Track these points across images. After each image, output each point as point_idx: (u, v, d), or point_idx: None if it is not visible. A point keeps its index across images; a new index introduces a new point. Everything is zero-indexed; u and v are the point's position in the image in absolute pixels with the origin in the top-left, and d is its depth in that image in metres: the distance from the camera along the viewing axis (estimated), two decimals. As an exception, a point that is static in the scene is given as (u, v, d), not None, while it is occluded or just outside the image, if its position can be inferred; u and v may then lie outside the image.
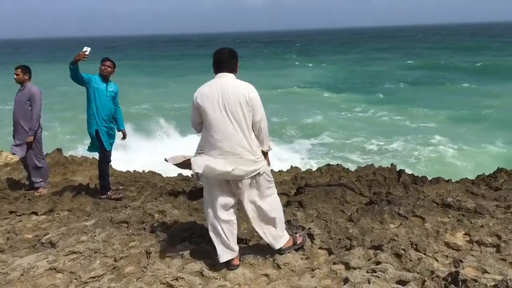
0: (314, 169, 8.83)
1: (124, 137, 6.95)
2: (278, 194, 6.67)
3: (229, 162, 3.67)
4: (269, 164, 4.06)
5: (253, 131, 3.78)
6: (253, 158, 3.76)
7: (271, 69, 52.35)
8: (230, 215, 3.93)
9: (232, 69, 3.85)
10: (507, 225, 4.77)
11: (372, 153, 16.66)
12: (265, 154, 3.94)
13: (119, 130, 6.77)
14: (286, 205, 6.04)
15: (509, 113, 22.24)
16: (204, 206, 4.11)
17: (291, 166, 9.18)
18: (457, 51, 66.13)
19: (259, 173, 3.83)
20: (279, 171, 8.87)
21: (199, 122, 3.86)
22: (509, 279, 3.34)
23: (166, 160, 4.16)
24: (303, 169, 9.12)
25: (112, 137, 6.60)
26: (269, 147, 3.93)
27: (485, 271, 3.74)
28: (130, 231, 4.98)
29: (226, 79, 3.77)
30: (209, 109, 3.71)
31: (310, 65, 56.71)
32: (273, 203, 4.02)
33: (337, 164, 8.56)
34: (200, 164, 3.66)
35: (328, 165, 8.62)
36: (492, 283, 3.41)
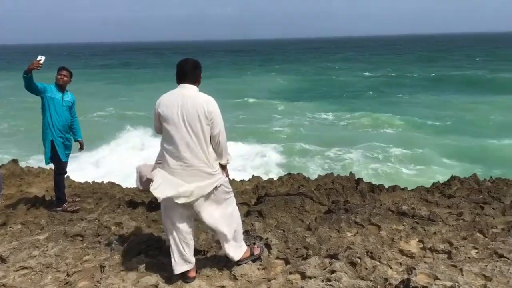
0: (275, 178, 8.86)
1: (81, 148, 6.78)
2: (239, 204, 6.69)
3: (185, 175, 3.66)
4: (227, 176, 4.06)
5: (211, 144, 3.77)
6: (210, 170, 3.75)
7: (235, 78, 52.52)
8: (187, 226, 3.90)
9: (195, 81, 3.84)
10: (459, 232, 4.92)
11: (333, 161, 16.90)
12: (223, 166, 3.93)
13: (76, 141, 6.61)
14: (246, 215, 6.04)
15: (458, 122, 23.11)
16: (162, 216, 4.06)
17: (253, 175, 9.18)
18: (416, 62, 68.17)
19: (216, 186, 3.81)
20: (241, 180, 8.86)
21: (161, 127, 3.85)
22: (457, 285, 3.44)
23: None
24: (264, 179, 9.14)
25: (68, 148, 6.43)
26: (227, 160, 3.92)
27: (436, 278, 3.84)
28: (85, 244, 4.85)
29: (187, 90, 3.75)
30: (168, 120, 3.69)
31: (273, 73, 57.13)
32: (231, 215, 4.01)
33: (298, 173, 8.62)
34: (161, 191, 3.67)
35: (289, 174, 8.67)
36: (443, 289, 3.50)
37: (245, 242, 4.31)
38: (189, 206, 3.82)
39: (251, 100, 35.31)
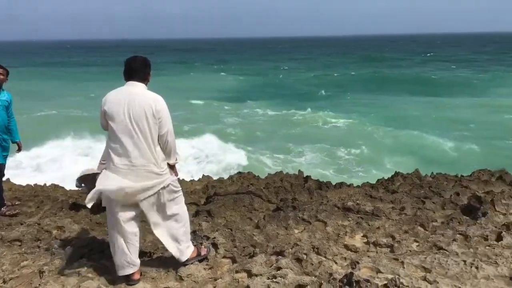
0: (226, 177, 8.84)
1: (19, 149, 6.48)
2: (188, 203, 6.62)
3: (131, 175, 3.58)
4: (176, 175, 3.99)
5: (159, 144, 3.70)
6: (157, 170, 3.67)
7: (183, 76, 51.99)
8: (132, 227, 3.80)
9: (144, 78, 3.75)
10: (401, 226, 5.08)
11: (282, 160, 17.06)
12: (172, 166, 3.87)
13: (13, 142, 6.30)
14: (195, 215, 5.99)
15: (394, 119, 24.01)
16: (107, 218, 3.94)
17: (203, 175, 9.12)
18: (363, 62, 69.98)
19: (163, 185, 3.74)
20: (191, 180, 8.79)
21: (107, 125, 3.73)
22: (397, 277, 3.54)
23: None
24: (215, 178, 9.10)
25: (5, 149, 6.12)
26: (176, 159, 3.86)
27: (378, 271, 3.94)
28: (23, 249, 4.64)
29: (135, 88, 3.66)
30: (114, 118, 3.59)
31: (223, 73, 56.88)
32: (179, 215, 3.95)
33: (248, 172, 8.65)
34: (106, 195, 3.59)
35: (239, 173, 8.69)
36: (384, 282, 3.59)
37: (192, 242, 4.26)
38: (135, 206, 3.74)
39: (199, 99, 35.10)
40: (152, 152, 3.62)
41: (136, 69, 3.71)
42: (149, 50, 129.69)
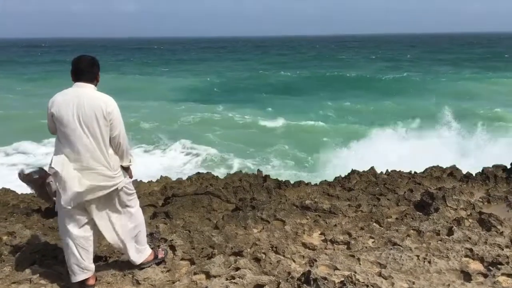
0: (184, 178, 8.75)
1: None
2: (145, 205, 6.53)
3: (83, 178, 3.47)
4: (131, 177, 3.91)
5: (111, 146, 3.60)
6: (110, 173, 3.57)
7: (138, 75, 51.02)
8: (85, 231, 3.69)
9: (92, 79, 3.62)
10: (357, 223, 5.19)
11: (242, 160, 17.07)
12: (127, 168, 3.78)
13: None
14: (152, 216, 5.90)
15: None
16: (58, 222, 3.81)
17: (161, 176, 8.98)
18: (311, 61, 70.68)
19: (117, 188, 3.65)
20: (149, 181, 8.63)
21: (55, 128, 3.59)
22: (354, 274, 3.61)
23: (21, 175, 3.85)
24: (173, 179, 8.99)
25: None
26: (129, 161, 3.77)
27: (336, 268, 4.01)
28: (-30, 258, 4.42)
29: (83, 89, 3.53)
30: (63, 121, 3.46)
31: (173, 73, 55.69)
32: (134, 218, 3.86)
33: (207, 172, 8.59)
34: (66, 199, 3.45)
35: (198, 173, 8.61)
36: (341, 279, 3.65)
37: (149, 245, 4.19)
38: (88, 210, 3.63)
39: (156, 99, 34.56)
40: (104, 155, 3.52)
41: (84, 69, 3.57)
42: (98, 49, 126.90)
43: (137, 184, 8.13)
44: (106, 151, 3.54)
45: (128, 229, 3.81)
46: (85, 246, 3.68)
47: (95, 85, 3.64)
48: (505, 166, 7.31)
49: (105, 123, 3.48)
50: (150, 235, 4.62)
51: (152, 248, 4.15)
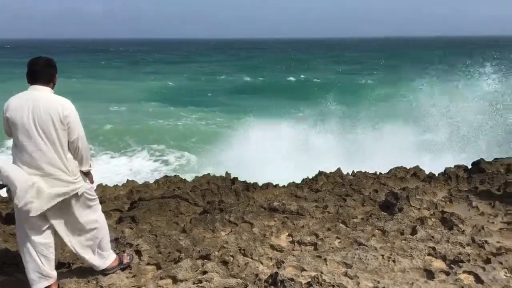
0: (151, 181, 8.63)
1: None
2: (111, 210, 6.41)
3: (41, 185, 3.37)
4: (92, 182, 3.82)
5: (70, 151, 3.51)
6: (69, 179, 3.48)
7: (106, 78, 50.14)
8: (46, 238, 3.59)
9: (49, 81, 3.51)
10: (324, 224, 5.24)
11: (209, 163, 16.98)
12: (87, 172, 3.69)
13: None
14: (118, 221, 5.79)
15: None
16: (16, 229, 3.69)
17: (127, 179, 8.84)
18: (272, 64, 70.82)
19: (77, 193, 3.56)
20: (114, 186, 8.47)
21: (11, 132, 3.47)
22: (320, 274, 3.65)
23: None
24: (140, 182, 8.86)
25: None
26: (89, 166, 3.69)
27: (303, 269, 4.05)
28: None
29: (39, 92, 3.42)
30: (18, 125, 3.34)
31: (139, 76, 54.76)
32: (97, 223, 3.78)
33: (175, 175, 8.51)
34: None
35: (166, 176, 8.52)
36: (308, 280, 3.68)
37: (114, 251, 4.11)
38: (48, 216, 3.53)
39: (123, 103, 34.03)
40: (62, 160, 3.42)
41: (40, 71, 3.46)
42: (65, 50, 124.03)
43: (103, 188, 7.97)
44: (64, 156, 3.44)
45: (90, 235, 3.72)
46: (45, 253, 3.58)
47: (52, 88, 3.52)
48: (466, 167, 7.55)
49: (62, 127, 3.38)
50: (115, 241, 4.54)
51: (117, 254, 4.08)
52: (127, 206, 6.64)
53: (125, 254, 4.19)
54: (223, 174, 7.93)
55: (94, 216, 3.75)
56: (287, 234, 5.03)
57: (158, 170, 16.46)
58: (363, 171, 7.65)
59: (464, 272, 3.89)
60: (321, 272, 3.89)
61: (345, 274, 3.89)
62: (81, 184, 3.57)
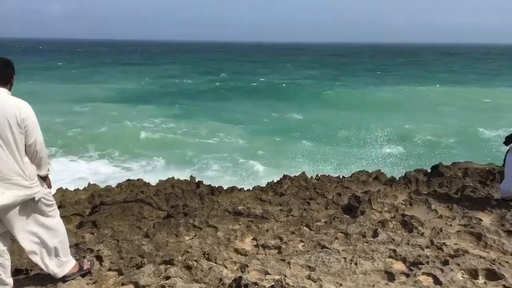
0: (114, 185, 8.47)
1: None
2: (71, 214, 6.25)
3: None
4: (50, 187, 3.71)
5: (27, 155, 3.39)
6: (26, 183, 3.37)
7: (69, 80, 48.99)
8: (0, 245, 3.46)
9: (6, 83, 3.38)
10: (288, 227, 5.27)
11: (175, 166, 16.83)
12: (44, 177, 3.58)
13: None
14: (79, 226, 5.67)
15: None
16: None
17: (89, 183, 8.65)
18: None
19: (34, 199, 3.44)
20: (75, 190, 8.27)
21: None
22: (284, 278, 3.66)
23: None
24: (102, 186, 8.68)
25: None
26: (47, 170, 3.58)
27: (267, 273, 4.05)
28: None
29: None
30: None
31: (101, 77, 53.80)
32: (54, 229, 3.67)
33: (138, 179, 8.37)
34: None
35: (129, 180, 8.37)
36: (272, 283, 3.69)
37: (74, 256, 4.00)
38: (4, 221, 3.41)
39: (87, 101, 33.33)
40: (19, 164, 3.31)
41: None
42: (13, 50, 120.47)
43: (63, 192, 7.78)
44: (21, 160, 3.33)
45: (48, 241, 3.61)
46: (0, 260, 3.46)
47: (9, 89, 3.41)
48: (426, 170, 7.77)
49: (19, 130, 3.27)
50: (76, 246, 4.43)
51: (77, 260, 3.97)
52: (88, 210, 6.50)
53: (86, 259, 4.09)
54: (188, 178, 7.87)
55: (52, 222, 3.64)
56: (251, 238, 5.03)
57: (120, 175, 16.17)
58: (327, 174, 7.75)
59: (423, 273, 3.98)
60: (285, 276, 3.90)
61: (308, 277, 3.92)
62: (38, 189, 3.46)
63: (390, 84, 49.42)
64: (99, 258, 4.23)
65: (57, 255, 3.69)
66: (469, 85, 48.28)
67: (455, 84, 49.01)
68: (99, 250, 4.37)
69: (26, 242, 3.53)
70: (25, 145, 3.34)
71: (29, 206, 3.44)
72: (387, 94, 39.96)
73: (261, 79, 53.91)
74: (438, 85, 47.39)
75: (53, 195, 7.57)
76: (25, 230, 3.49)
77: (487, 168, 7.25)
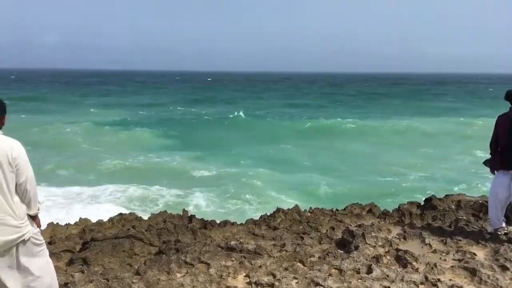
0: (105, 219, 8.36)
1: None
2: (62, 251, 6.14)
3: None
4: (39, 226, 3.65)
5: (17, 194, 3.36)
6: (16, 223, 3.32)
7: (58, 111, 48.93)
8: None
9: None
10: (282, 263, 5.21)
11: (170, 199, 16.70)
12: (34, 216, 3.54)
13: None
14: (69, 263, 5.57)
15: None
16: None
17: (80, 218, 8.53)
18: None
19: (24, 239, 3.39)
20: (66, 224, 8.15)
21: None
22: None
23: None
24: (93, 220, 8.56)
25: None
26: (38, 209, 3.54)
27: (260, 312, 3.98)
28: None
29: None
30: None
31: (92, 108, 53.41)
32: (44, 270, 3.58)
33: (130, 213, 8.28)
34: None
35: (121, 214, 8.28)
36: (265, 323, 3.62)
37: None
38: None
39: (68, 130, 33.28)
40: (9, 203, 3.27)
41: None
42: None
43: (53, 227, 7.66)
44: (11, 199, 3.29)
45: (38, 283, 3.53)
46: None
47: (0, 129, 3.42)
48: (419, 203, 7.77)
49: (10, 169, 3.25)
50: (65, 286, 4.34)
51: None
52: (79, 246, 6.40)
53: None
54: (180, 212, 7.81)
55: (41, 262, 3.56)
56: (244, 274, 4.96)
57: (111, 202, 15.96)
58: (320, 207, 7.72)
59: (418, 311, 3.94)
60: (278, 315, 3.84)
61: (302, 317, 3.85)
62: (28, 228, 3.41)
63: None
64: (89, 299, 4.14)
65: None
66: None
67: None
68: (89, 290, 4.28)
69: (14, 284, 3.44)
70: (16, 184, 3.32)
71: (18, 246, 3.38)
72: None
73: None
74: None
75: (44, 230, 7.48)
76: (13, 272, 3.41)
77: (480, 201, 7.26)
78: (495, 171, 5.91)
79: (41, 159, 21.91)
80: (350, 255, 5.29)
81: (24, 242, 3.39)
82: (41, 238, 3.61)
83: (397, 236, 5.95)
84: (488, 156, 6.09)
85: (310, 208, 7.73)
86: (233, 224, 7.08)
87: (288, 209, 7.56)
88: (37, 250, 3.53)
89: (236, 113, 46.20)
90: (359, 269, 4.85)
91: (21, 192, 3.36)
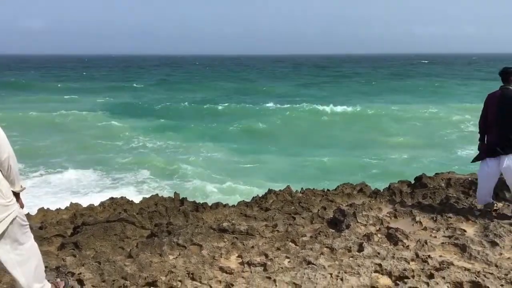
0: (96, 204, 8.33)
1: None
2: (53, 236, 6.11)
3: None
4: (22, 206, 3.61)
5: (1, 171, 3.32)
6: (3, 202, 3.28)
7: (49, 93, 48.40)
8: None
9: None
10: (274, 243, 5.22)
11: (168, 181, 16.68)
12: (17, 195, 3.49)
13: None
14: (60, 248, 5.54)
15: None
16: None
17: (71, 202, 8.48)
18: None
19: (12, 218, 3.35)
20: (57, 209, 8.11)
21: None
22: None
23: None
24: (84, 205, 8.52)
25: None
26: (21, 187, 3.51)
27: (252, 291, 4.00)
28: None
29: None
30: None
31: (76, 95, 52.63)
32: (28, 251, 3.54)
33: (121, 197, 8.25)
34: None
35: (112, 198, 8.24)
36: (257, 302, 3.64)
37: (55, 279, 3.90)
38: None
39: (64, 114, 32.98)
40: None
41: None
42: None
43: (44, 212, 7.63)
44: None
45: (23, 265, 3.48)
46: None
47: None
48: (410, 182, 7.81)
49: None
50: (56, 270, 4.32)
51: (52, 283, 3.85)
52: (70, 231, 6.37)
53: (59, 279, 3.96)
54: (171, 195, 7.79)
55: (27, 244, 3.52)
56: (236, 255, 4.97)
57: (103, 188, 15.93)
58: (312, 188, 7.74)
59: None
60: (271, 294, 3.86)
61: (295, 295, 3.88)
62: (14, 207, 3.38)
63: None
64: (80, 282, 4.12)
65: (33, 278, 3.56)
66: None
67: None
68: (81, 273, 4.26)
69: (5, 265, 3.42)
70: None
71: (7, 226, 3.34)
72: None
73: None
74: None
75: (35, 215, 7.43)
76: (2, 253, 3.38)
77: (469, 178, 7.32)
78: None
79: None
80: (342, 234, 5.32)
81: (12, 222, 3.35)
82: (25, 218, 3.57)
83: (388, 215, 5.99)
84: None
85: (302, 188, 7.75)
86: (225, 206, 7.09)
87: (280, 190, 7.57)
88: (23, 232, 3.48)
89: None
90: (350, 247, 4.88)
91: (5, 169, 3.32)
